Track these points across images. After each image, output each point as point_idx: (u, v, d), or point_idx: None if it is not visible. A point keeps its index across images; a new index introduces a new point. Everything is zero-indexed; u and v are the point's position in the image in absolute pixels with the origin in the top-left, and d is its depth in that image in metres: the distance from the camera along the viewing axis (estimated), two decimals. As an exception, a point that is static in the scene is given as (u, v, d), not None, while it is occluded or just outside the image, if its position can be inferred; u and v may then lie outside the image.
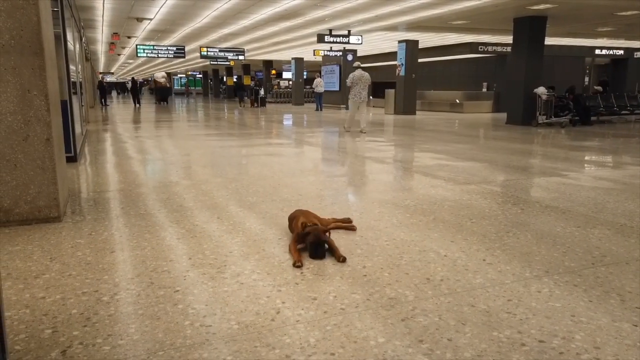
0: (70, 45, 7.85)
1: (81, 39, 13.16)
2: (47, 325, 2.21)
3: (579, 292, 2.59)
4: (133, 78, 28.48)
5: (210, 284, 2.68)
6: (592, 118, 14.62)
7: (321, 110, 21.92)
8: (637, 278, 2.79)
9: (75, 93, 8.19)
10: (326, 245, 3.14)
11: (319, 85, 22.69)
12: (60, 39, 6.56)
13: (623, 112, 15.17)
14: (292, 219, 3.54)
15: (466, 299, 2.50)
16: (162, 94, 25.60)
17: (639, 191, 5.13)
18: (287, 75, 39.80)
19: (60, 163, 4.06)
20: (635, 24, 14.67)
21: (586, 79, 25.82)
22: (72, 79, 7.67)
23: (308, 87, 29.29)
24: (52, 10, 5.12)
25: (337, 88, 23.09)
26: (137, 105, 24.90)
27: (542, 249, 3.28)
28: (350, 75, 11.63)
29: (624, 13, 12.69)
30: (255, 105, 25.42)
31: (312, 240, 3.06)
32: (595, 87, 20.11)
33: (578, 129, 12.85)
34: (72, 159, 6.65)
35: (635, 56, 24.09)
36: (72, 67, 7.76)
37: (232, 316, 2.30)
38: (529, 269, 2.91)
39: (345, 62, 22.30)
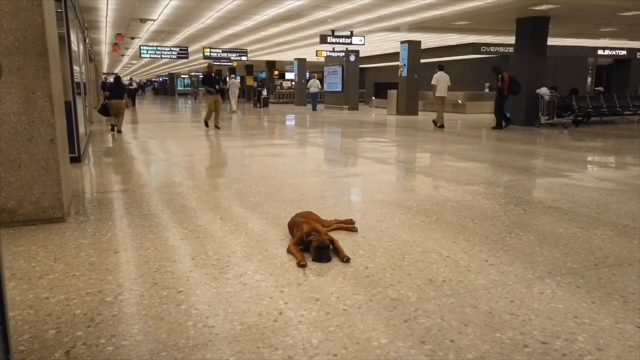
0: (74, 46, 7.87)
1: (85, 40, 13.21)
2: (51, 326, 2.22)
3: (582, 294, 2.59)
4: (131, 78, 29.62)
5: (213, 285, 2.69)
6: (595, 118, 14.60)
7: (314, 110, 21.98)
8: (640, 279, 2.79)
9: (79, 94, 8.23)
10: (331, 247, 3.14)
11: (313, 85, 22.77)
12: (64, 40, 6.59)
13: (626, 112, 15.14)
14: (293, 225, 3.51)
15: (468, 300, 2.50)
16: (131, 94, 27.81)
17: (642, 192, 5.12)
18: (289, 75, 39.82)
19: (64, 164, 4.08)
20: (639, 24, 14.63)
21: (589, 79, 25.74)
22: (76, 80, 7.69)
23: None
24: (56, 12, 5.14)
25: (339, 89, 23.10)
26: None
27: (544, 250, 3.28)
28: (229, 82, 22.05)
29: (627, 13, 12.66)
30: (258, 105, 25.44)
31: (316, 244, 3.06)
32: (597, 88, 20.04)
33: (581, 129, 12.82)
34: (75, 160, 6.68)
35: (638, 56, 24.02)
36: (75, 67, 7.79)
37: (235, 317, 2.31)
38: (531, 270, 2.91)
39: (348, 63, 22.31)
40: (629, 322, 2.27)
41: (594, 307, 2.43)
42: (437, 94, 13.27)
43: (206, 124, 12.55)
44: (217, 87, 12.28)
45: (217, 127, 12.42)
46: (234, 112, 20.89)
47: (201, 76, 26.30)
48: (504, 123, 12.59)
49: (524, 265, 3.00)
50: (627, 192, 5.13)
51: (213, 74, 12.46)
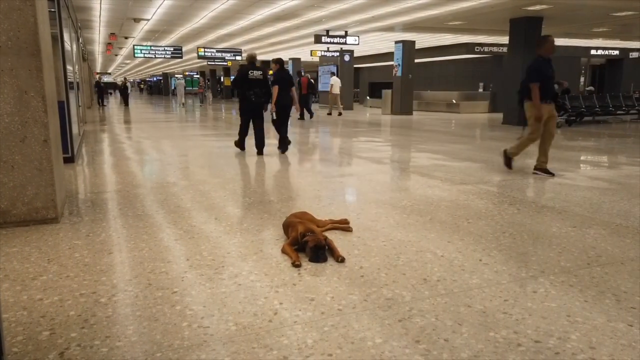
0: (67, 46, 7.83)
1: (78, 40, 13.13)
2: (45, 327, 2.21)
3: (575, 292, 2.61)
4: (125, 79, 30.60)
5: (208, 285, 2.68)
6: (588, 118, 14.70)
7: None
8: (633, 278, 2.81)
9: (72, 93, 8.18)
10: (326, 247, 3.15)
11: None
12: (57, 40, 6.55)
13: (619, 112, 15.25)
14: (288, 225, 3.51)
15: (463, 300, 2.51)
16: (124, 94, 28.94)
17: (635, 191, 5.16)
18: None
19: (57, 164, 4.06)
20: (631, 25, 14.74)
21: (582, 79, 25.90)
22: (69, 80, 7.65)
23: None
24: (49, 11, 5.11)
25: (334, 88, 23.11)
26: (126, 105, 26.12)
27: (538, 249, 3.30)
28: (176, 83, 26.64)
29: (619, 14, 12.75)
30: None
31: (312, 245, 3.07)
32: (587, 88, 20.16)
33: (574, 129, 12.90)
34: (69, 160, 6.64)
35: (630, 56, 24.20)
36: (69, 67, 7.74)
37: (230, 317, 2.31)
38: (525, 269, 2.93)
39: (343, 63, 22.31)
40: (621, 321, 2.29)
41: (587, 305, 2.45)
42: (333, 92, 18.73)
43: (546, 170, 6.00)
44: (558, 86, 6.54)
45: (546, 171, 5.97)
46: (183, 104, 26.31)
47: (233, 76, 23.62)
48: (309, 115, 16.85)
49: (518, 264, 3.02)
50: (619, 191, 5.17)
51: (548, 59, 6.17)
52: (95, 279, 2.76)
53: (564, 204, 4.60)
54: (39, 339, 2.12)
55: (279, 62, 8.31)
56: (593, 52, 23.10)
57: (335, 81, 18.80)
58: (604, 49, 23.14)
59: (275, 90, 7.96)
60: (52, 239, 3.49)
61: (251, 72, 7.70)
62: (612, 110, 15.12)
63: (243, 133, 8.23)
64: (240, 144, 8.40)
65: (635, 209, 4.39)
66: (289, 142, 8.39)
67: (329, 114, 18.84)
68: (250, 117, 8.01)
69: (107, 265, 2.98)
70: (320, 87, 24.52)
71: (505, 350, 2.03)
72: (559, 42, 19.64)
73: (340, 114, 18.71)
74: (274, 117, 8.18)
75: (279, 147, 8.32)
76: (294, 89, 8.45)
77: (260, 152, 8.03)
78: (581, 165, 7.37)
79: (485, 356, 1.99)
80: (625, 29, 15.73)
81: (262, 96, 7.86)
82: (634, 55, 24.10)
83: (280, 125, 8.36)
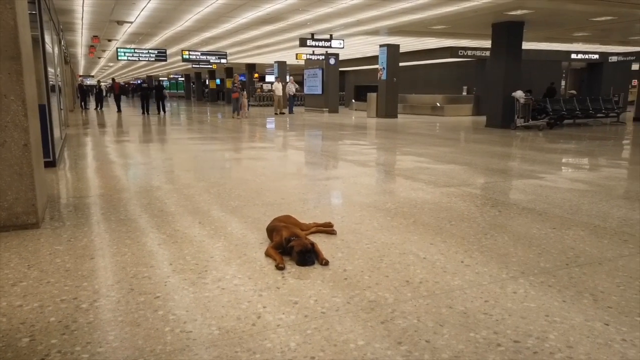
0: (48, 48, 7.73)
1: (60, 42, 12.97)
2: (25, 334, 2.18)
3: (553, 293, 2.66)
4: (98, 81, 31.95)
5: (191, 290, 2.68)
6: (569, 121, 14.96)
7: (291, 113, 22.11)
8: (610, 278, 2.87)
9: (54, 96, 8.08)
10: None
11: (289, 87, 22.88)
12: (38, 42, 6.47)
13: (599, 115, 15.54)
14: (272, 229, 3.50)
15: (444, 301, 2.54)
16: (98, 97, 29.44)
17: (613, 193, 5.27)
18: (270, 78, 39.76)
19: (38, 168, 4.01)
20: (610, 29, 15.06)
21: (562, 82, 26.34)
22: (51, 83, 7.55)
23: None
24: (30, 14, 5.05)
25: (319, 91, 23.17)
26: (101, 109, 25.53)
27: (518, 251, 3.35)
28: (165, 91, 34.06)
29: (598, 19, 13.02)
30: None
31: (299, 249, 3.07)
32: (569, 92, 20.51)
33: (555, 131, 13.12)
34: (51, 164, 6.55)
35: (610, 60, 24.70)
36: (50, 70, 7.64)
37: (213, 321, 2.31)
38: (505, 270, 2.98)
39: (328, 66, 22.40)
40: (598, 320, 2.34)
41: (565, 305, 2.50)
42: (276, 94, 22.40)
43: None
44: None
45: None
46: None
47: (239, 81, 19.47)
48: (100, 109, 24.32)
49: (499, 265, 3.07)
50: (598, 193, 5.27)
51: None
52: (77, 285, 2.73)
53: (544, 205, 4.68)
54: (18, 345, 2.09)
55: (158, 81, 24.22)
56: (574, 56, 23.54)
57: (276, 86, 22.77)
58: (584, 53, 23.58)
59: (158, 90, 21.79)
60: (32, 245, 3.44)
61: (143, 84, 24.03)
62: (592, 113, 15.40)
63: (143, 107, 20.54)
64: (143, 111, 20.21)
65: (613, 210, 4.49)
66: (161, 111, 21.13)
67: (282, 113, 21.74)
68: (143, 99, 20.73)
69: (89, 271, 2.95)
70: (306, 91, 24.56)
71: (485, 351, 2.06)
72: (540, 46, 20.08)
73: (282, 113, 21.82)
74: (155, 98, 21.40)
75: (158, 113, 20.68)
76: (165, 91, 21.63)
77: (146, 112, 20.38)
78: (562, 167, 7.50)
79: (465, 357, 2.02)
80: (605, 33, 16.07)
81: (147, 93, 20.96)
82: (614, 59, 24.60)
83: (160, 103, 21.10)
